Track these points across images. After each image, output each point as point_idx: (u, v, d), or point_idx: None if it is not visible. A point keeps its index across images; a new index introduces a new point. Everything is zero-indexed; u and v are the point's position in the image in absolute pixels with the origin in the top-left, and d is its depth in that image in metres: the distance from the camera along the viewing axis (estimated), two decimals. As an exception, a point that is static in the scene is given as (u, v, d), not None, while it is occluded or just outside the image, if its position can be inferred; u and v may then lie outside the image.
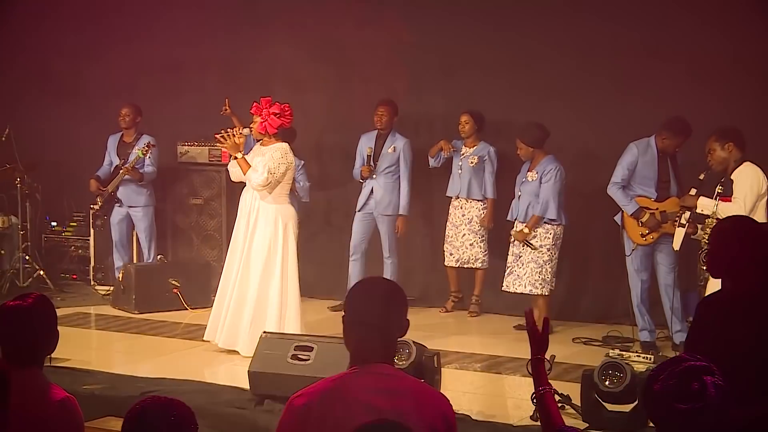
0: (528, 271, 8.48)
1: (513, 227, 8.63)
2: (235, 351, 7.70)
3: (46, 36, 10.83)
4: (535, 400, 3.42)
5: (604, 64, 8.88)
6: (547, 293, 8.44)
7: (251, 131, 7.86)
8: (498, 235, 9.03)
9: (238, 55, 10.23)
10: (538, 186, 8.45)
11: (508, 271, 8.60)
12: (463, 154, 9.11)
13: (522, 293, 8.50)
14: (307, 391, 3.15)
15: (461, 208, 9.15)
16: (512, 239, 8.53)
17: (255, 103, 7.74)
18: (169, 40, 10.38)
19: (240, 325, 7.66)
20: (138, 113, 10.03)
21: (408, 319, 3.21)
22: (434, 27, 9.52)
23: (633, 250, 7.98)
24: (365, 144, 9.36)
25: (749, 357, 3.77)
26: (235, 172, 7.89)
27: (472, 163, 9.04)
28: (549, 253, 8.47)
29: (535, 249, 8.38)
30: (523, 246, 8.47)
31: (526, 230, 8.39)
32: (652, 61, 8.65)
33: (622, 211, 8.00)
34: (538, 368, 3.38)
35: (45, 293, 9.31)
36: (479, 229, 9.10)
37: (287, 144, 7.90)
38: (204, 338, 7.95)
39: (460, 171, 9.11)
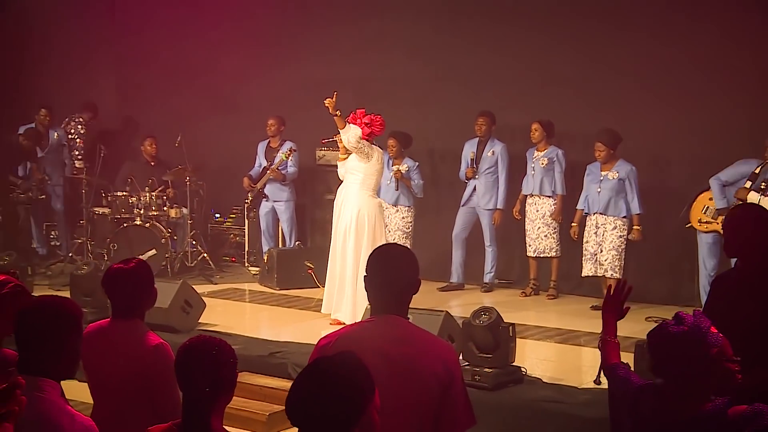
0: (609, 258, 8.35)
1: (585, 219, 8.53)
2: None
3: (211, 61, 11.18)
4: (599, 345, 3.40)
5: (667, 78, 8.69)
6: (621, 276, 8.29)
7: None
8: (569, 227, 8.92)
9: (367, 73, 10.30)
10: (617, 183, 8.31)
11: (587, 258, 8.48)
12: (534, 157, 9.01)
13: (604, 276, 8.37)
14: (331, 334, 3.20)
15: (535, 204, 9.04)
16: (595, 230, 8.41)
17: (352, 113, 7.80)
18: (309, 62, 10.60)
19: (343, 299, 7.76)
20: (282, 123, 10.26)
21: (420, 278, 3.17)
22: (528, 47, 9.47)
23: (687, 225, 7.89)
24: (468, 149, 9.36)
25: (756, 328, 3.67)
26: (340, 171, 8.03)
27: (542, 164, 8.92)
28: (625, 242, 8.35)
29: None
30: (603, 235, 8.35)
31: (639, 228, 8.30)
32: (719, 74, 8.39)
33: (692, 201, 7.89)
34: (609, 323, 3.37)
35: (207, 272, 9.96)
36: (551, 222, 8.97)
37: (380, 150, 7.98)
38: (322, 311, 8.07)
39: (533, 172, 9.00)
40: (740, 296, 3.75)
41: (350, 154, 7.85)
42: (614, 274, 8.29)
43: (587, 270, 8.50)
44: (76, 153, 10.86)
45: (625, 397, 3.10)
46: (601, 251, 8.41)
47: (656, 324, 3.01)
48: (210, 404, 2.67)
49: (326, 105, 7.67)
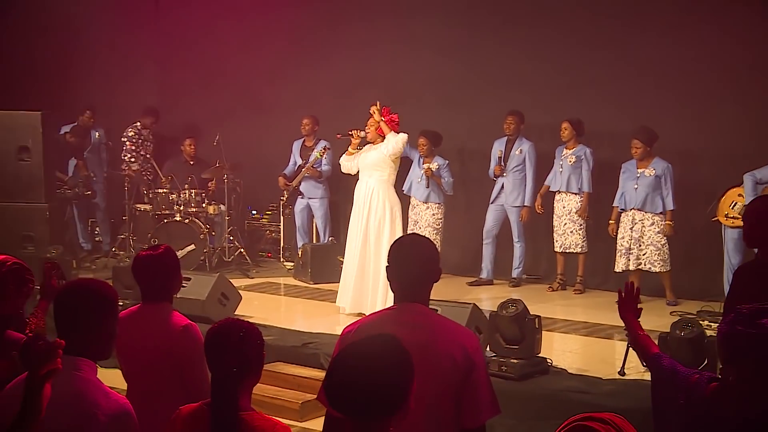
0: (648, 253, 8.29)
1: (619, 216, 8.47)
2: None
3: (247, 63, 11.23)
4: (631, 345, 3.38)
5: (690, 78, 8.64)
6: (668, 269, 8.26)
7: (366, 134, 7.92)
8: (596, 223, 8.92)
9: (399, 74, 10.34)
10: (654, 180, 8.25)
11: (622, 253, 8.40)
12: (563, 155, 8.94)
13: (650, 271, 8.38)
14: (355, 322, 3.22)
15: (562, 201, 8.99)
16: (632, 226, 8.37)
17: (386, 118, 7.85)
18: (341, 63, 10.61)
19: (364, 292, 7.74)
20: (316, 122, 10.28)
21: (440, 268, 3.18)
22: (556, 49, 9.42)
23: (713, 219, 7.84)
24: (497, 147, 9.33)
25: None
26: (346, 165, 7.98)
27: (570, 162, 8.85)
28: (665, 236, 8.30)
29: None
30: (641, 231, 8.29)
31: (671, 223, 8.25)
32: (744, 74, 8.30)
33: (721, 195, 7.86)
34: (632, 322, 3.33)
35: (244, 267, 10.02)
36: (578, 219, 8.91)
37: None
38: (337, 303, 8.06)
39: (560, 169, 8.94)
40: (762, 286, 3.69)
41: (358, 150, 7.88)
42: (653, 268, 8.30)
43: (622, 265, 8.44)
44: (129, 156, 10.94)
45: (675, 386, 2.97)
46: (640, 246, 8.36)
47: (721, 320, 2.88)
48: (238, 384, 2.68)
49: (373, 112, 7.70)
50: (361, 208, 7.87)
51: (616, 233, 8.54)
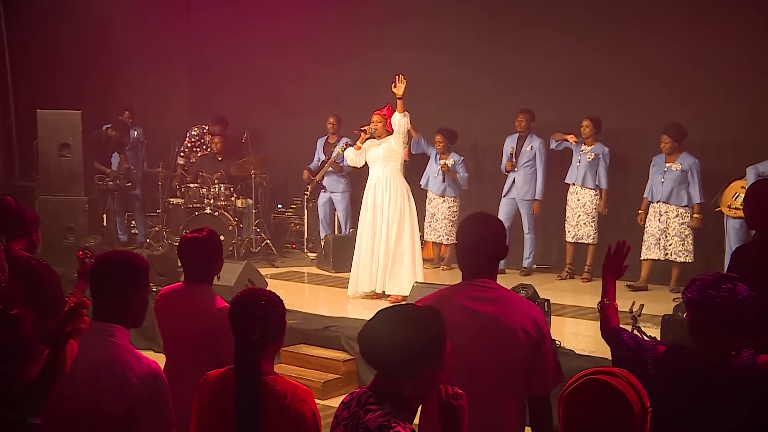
0: (673, 243, 8.27)
1: (647, 206, 8.44)
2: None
3: (273, 65, 11.27)
4: (599, 307, 3.34)
5: (706, 75, 8.54)
6: (691, 260, 8.21)
7: (374, 130, 7.88)
8: (608, 216, 8.89)
9: (416, 75, 10.20)
10: (680, 175, 8.19)
11: (651, 243, 8.34)
12: (582, 151, 8.89)
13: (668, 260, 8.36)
14: (426, 297, 3.22)
15: (576, 194, 8.94)
16: (659, 217, 8.32)
17: (383, 110, 7.90)
18: (363, 64, 10.62)
19: (401, 275, 7.69)
20: (339, 121, 10.29)
21: (507, 245, 3.17)
22: (565, 50, 9.38)
23: (716, 209, 7.80)
24: (509, 144, 9.32)
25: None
26: (354, 159, 7.96)
27: (589, 158, 8.81)
28: (688, 228, 8.25)
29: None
30: (667, 222, 8.27)
31: (699, 216, 8.19)
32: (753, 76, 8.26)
33: (724, 187, 7.82)
34: (608, 286, 3.33)
35: (270, 257, 10.05)
36: (591, 212, 8.87)
37: None
38: (348, 294, 8.07)
39: (578, 164, 8.88)
40: (759, 265, 3.67)
41: (384, 135, 7.83)
42: (678, 259, 8.27)
43: (650, 254, 8.38)
44: (181, 151, 11.03)
45: (642, 358, 3.01)
46: (666, 237, 8.32)
47: (687, 288, 2.92)
48: (260, 349, 2.70)
49: (396, 89, 7.54)
50: (377, 196, 7.81)
51: (644, 223, 8.49)
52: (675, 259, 8.27)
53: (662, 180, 8.28)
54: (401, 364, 2.26)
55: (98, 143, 10.40)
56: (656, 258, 8.36)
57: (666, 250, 8.32)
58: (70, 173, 9.35)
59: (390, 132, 7.78)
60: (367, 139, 7.95)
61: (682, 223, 8.24)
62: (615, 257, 3.30)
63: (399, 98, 7.53)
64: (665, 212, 8.32)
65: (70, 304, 4.04)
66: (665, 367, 2.92)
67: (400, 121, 7.61)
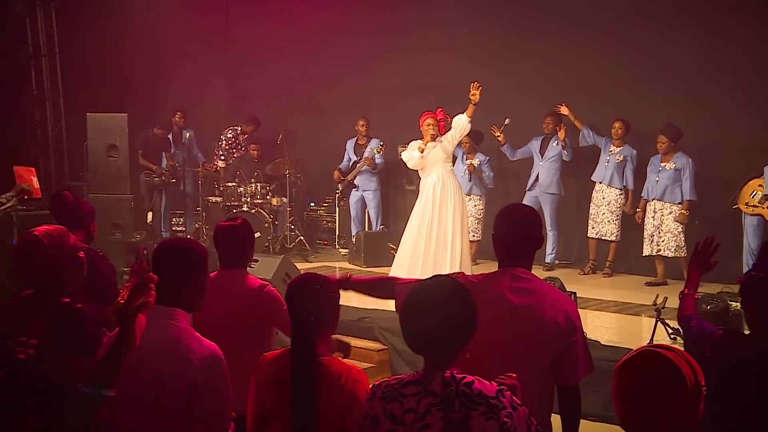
0: (666, 239, 8.17)
1: (644, 205, 8.37)
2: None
3: (306, 70, 11.30)
4: (680, 296, 3.35)
5: (718, 78, 8.49)
6: (683, 255, 8.10)
7: (432, 137, 7.70)
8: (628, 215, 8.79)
9: (443, 81, 10.26)
10: (674, 173, 8.14)
11: (650, 241, 8.28)
12: (610, 151, 8.81)
13: (660, 256, 8.25)
14: (461, 279, 3.15)
15: (602, 192, 8.87)
16: (653, 214, 8.24)
17: (433, 113, 7.78)
18: (392, 70, 10.62)
19: (453, 269, 7.58)
20: (369, 123, 10.28)
21: (542, 235, 3.13)
22: (581, 58, 9.36)
23: (734, 207, 7.67)
24: (534, 144, 9.34)
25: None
26: (418, 162, 7.71)
27: (618, 159, 8.73)
28: (682, 225, 8.16)
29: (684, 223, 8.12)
30: (660, 219, 8.18)
31: (686, 212, 8.12)
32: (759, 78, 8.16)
33: (742, 185, 7.70)
34: (692, 278, 3.32)
35: (303, 252, 10.06)
36: (615, 210, 8.80)
37: None
38: None
39: (606, 163, 8.81)
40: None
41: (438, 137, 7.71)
42: (670, 254, 8.18)
43: (646, 250, 8.34)
44: (220, 152, 11.08)
45: (702, 342, 2.99)
46: (659, 234, 8.25)
47: (746, 272, 2.95)
48: (316, 331, 2.70)
49: (473, 96, 7.49)
50: (436, 196, 7.62)
51: (643, 221, 8.42)
52: (667, 254, 8.17)
53: (657, 178, 8.24)
54: (463, 336, 2.25)
55: (146, 142, 10.46)
56: (650, 254, 8.28)
57: (658, 246, 8.25)
58: (117, 173, 9.40)
59: (442, 133, 7.68)
60: (427, 142, 7.81)
61: (675, 220, 8.18)
62: (703, 252, 3.27)
63: (474, 105, 7.48)
64: (659, 209, 8.27)
65: (123, 297, 4.08)
66: (720, 350, 2.90)
67: (466, 124, 7.56)
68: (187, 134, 11.25)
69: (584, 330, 6.00)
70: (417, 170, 7.89)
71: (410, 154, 7.76)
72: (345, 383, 2.62)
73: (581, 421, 3.11)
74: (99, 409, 2.08)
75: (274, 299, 3.71)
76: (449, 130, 7.69)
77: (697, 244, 3.28)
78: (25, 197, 7.91)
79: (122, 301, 3.81)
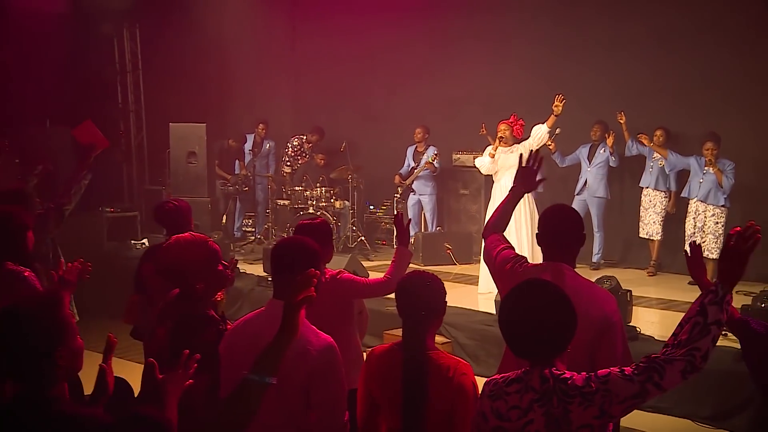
0: (707, 241, 8.02)
1: (687, 204, 8.26)
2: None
3: (367, 81, 11.32)
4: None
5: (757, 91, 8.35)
6: None
7: (500, 141, 7.71)
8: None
9: (495, 90, 10.23)
10: (716, 177, 7.98)
11: (688, 239, 8.14)
12: (654, 158, 8.73)
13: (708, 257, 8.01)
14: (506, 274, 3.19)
15: (648, 195, 8.81)
16: (695, 215, 8.11)
17: (509, 120, 7.77)
18: (447, 80, 10.59)
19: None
20: (427, 131, 10.27)
21: (583, 233, 3.09)
22: (624, 68, 9.24)
23: None
24: (583, 151, 9.24)
25: None
26: (490, 167, 7.75)
27: (660, 164, 8.66)
28: (723, 227, 8.02)
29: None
30: (704, 221, 8.03)
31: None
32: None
33: None
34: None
35: (364, 252, 10.05)
36: (660, 211, 8.73)
37: None
38: (479, 291, 7.92)
39: (650, 169, 8.76)
40: None
41: (512, 143, 7.67)
42: (711, 255, 7.94)
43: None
44: (286, 159, 11.18)
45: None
46: (701, 235, 8.12)
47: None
48: (425, 326, 2.68)
49: (556, 108, 7.44)
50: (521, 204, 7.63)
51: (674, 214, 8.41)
52: (707, 255, 7.93)
53: (701, 181, 8.11)
54: (567, 340, 2.22)
55: (221, 153, 10.58)
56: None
57: (702, 246, 8.06)
58: (195, 177, 9.55)
59: (518, 140, 7.61)
60: (497, 147, 7.80)
61: (717, 223, 8.02)
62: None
63: (556, 116, 7.44)
64: (702, 211, 8.12)
65: (218, 298, 4.09)
66: None
67: (545, 134, 7.51)
68: (268, 144, 11.37)
69: (639, 326, 5.96)
70: (487, 175, 7.91)
71: (482, 161, 7.76)
72: (453, 376, 2.61)
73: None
74: (262, 395, 2.10)
75: (351, 280, 3.74)
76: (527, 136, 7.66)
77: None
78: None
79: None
